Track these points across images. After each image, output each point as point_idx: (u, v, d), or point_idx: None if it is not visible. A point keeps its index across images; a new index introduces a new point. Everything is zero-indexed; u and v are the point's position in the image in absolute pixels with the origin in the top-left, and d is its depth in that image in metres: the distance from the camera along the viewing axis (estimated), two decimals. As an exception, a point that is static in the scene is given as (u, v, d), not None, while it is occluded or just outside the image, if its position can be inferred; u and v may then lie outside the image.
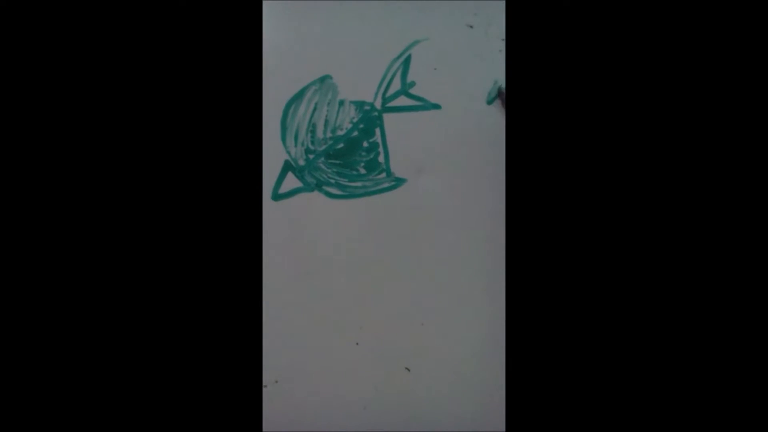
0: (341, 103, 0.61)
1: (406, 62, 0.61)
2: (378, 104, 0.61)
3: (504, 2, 0.42)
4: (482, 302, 0.62)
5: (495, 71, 0.61)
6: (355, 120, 0.61)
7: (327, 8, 0.60)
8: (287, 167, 0.61)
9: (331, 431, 0.63)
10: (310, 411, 0.63)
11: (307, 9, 0.59)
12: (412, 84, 0.61)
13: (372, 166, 0.61)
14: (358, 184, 0.61)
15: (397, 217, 0.62)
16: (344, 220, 0.61)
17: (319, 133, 0.61)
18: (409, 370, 0.63)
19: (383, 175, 0.62)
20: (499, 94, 0.60)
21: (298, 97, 0.60)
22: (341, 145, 0.61)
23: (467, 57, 0.61)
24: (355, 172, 0.61)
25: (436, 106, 0.61)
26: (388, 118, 0.61)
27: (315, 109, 0.60)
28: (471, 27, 0.61)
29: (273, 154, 0.60)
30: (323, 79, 0.60)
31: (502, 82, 0.60)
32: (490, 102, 0.59)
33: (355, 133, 0.61)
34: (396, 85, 0.61)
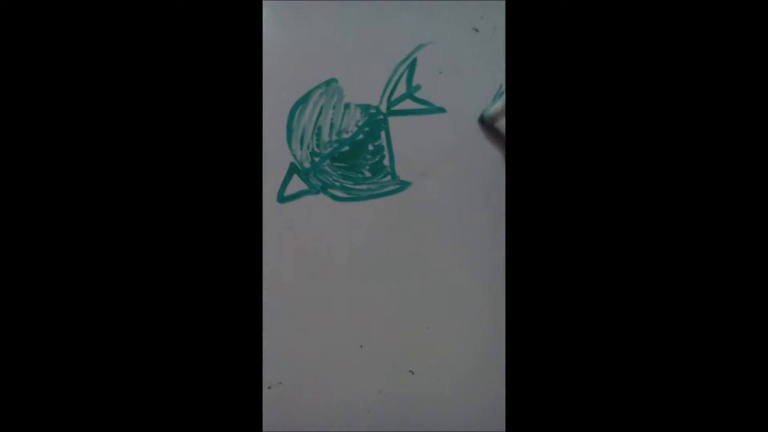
0: (347, 106, 0.61)
1: (412, 66, 0.61)
2: (383, 107, 0.61)
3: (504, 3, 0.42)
4: (487, 305, 0.62)
5: (500, 75, 0.61)
6: (360, 123, 0.61)
7: (334, 11, 0.60)
8: (293, 170, 0.61)
9: (335, 434, 0.63)
10: (314, 413, 0.63)
11: (314, 12, 0.60)
12: (418, 87, 0.61)
13: (377, 169, 0.62)
14: (363, 187, 0.62)
15: (401, 219, 0.62)
16: (349, 223, 0.62)
17: (325, 136, 0.61)
18: (413, 373, 0.63)
19: (388, 178, 0.62)
20: (483, 119, 0.60)
21: (304, 100, 0.60)
22: (346, 148, 0.61)
23: (473, 61, 0.61)
24: (360, 175, 0.62)
25: (441, 110, 0.61)
26: (393, 121, 0.61)
27: (321, 112, 0.61)
28: (477, 30, 0.61)
29: (279, 157, 0.60)
30: (329, 83, 0.60)
31: (489, 107, 0.60)
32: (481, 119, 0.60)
33: (361, 136, 0.61)
34: (401, 89, 0.61)
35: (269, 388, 0.62)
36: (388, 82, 0.61)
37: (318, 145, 0.61)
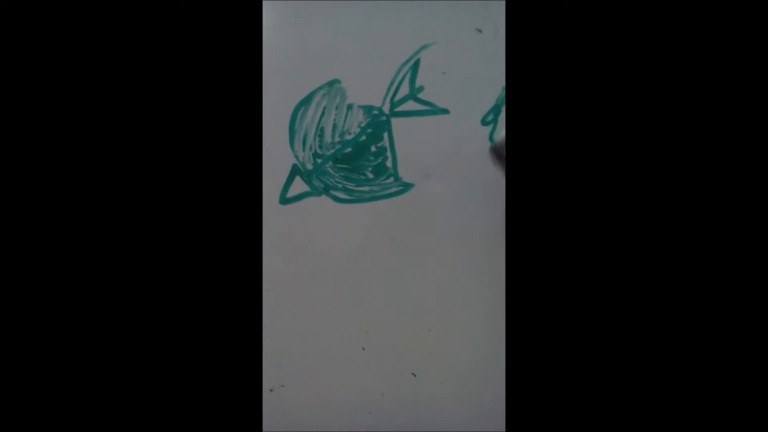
0: (349, 107, 0.60)
1: (415, 67, 0.60)
2: (386, 109, 0.61)
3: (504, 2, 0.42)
4: (490, 308, 0.62)
5: (504, 76, 0.60)
6: (363, 124, 0.61)
7: (336, 12, 0.60)
8: (295, 171, 0.61)
9: (337, 436, 0.63)
10: (316, 415, 0.63)
11: (317, 12, 0.59)
12: (421, 89, 0.61)
13: (380, 170, 0.61)
14: (366, 188, 0.61)
15: (404, 221, 0.62)
16: (351, 225, 0.61)
17: (327, 138, 0.61)
18: (415, 375, 0.63)
19: (391, 179, 0.61)
20: (494, 147, 0.60)
21: (307, 101, 0.60)
22: (349, 150, 0.61)
23: (476, 62, 0.61)
24: (362, 177, 0.61)
25: (445, 111, 0.61)
26: (396, 122, 0.61)
27: (323, 113, 0.60)
28: (480, 31, 0.60)
29: (281, 158, 0.60)
30: (332, 83, 0.60)
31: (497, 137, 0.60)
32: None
33: (363, 138, 0.61)
34: (404, 90, 0.61)
35: (271, 390, 0.62)
36: (391, 83, 0.60)
37: (320, 147, 0.61)
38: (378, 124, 0.61)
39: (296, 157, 0.61)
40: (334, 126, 0.61)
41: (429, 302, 0.63)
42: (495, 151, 0.60)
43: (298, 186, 0.61)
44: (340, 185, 0.61)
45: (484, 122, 0.61)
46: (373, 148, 0.61)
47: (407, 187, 0.61)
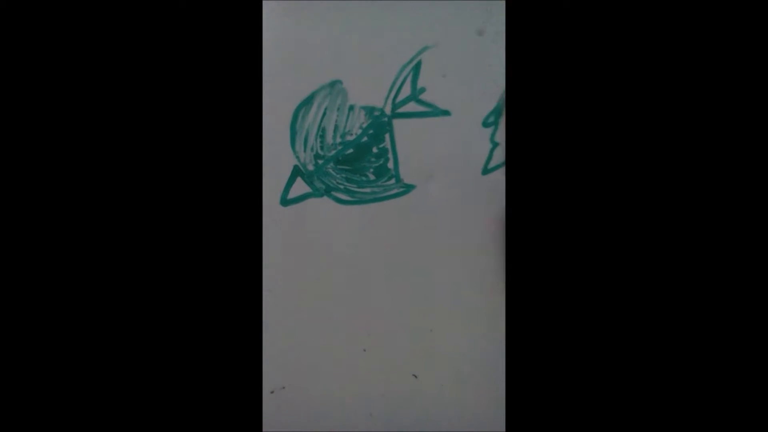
0: (351, 108, 0.60)
1: (416, 68, 0.60)
2: (388, 110, 0.61)
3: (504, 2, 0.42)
4: (491, 309, 0.62)
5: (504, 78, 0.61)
6: (364, 125, 0.61)
7: (338, 12, 0.59)
8: (296, 172, 0.60)
9: (338, 437, 0.63)
10: (316, 417, 0.63)
11: (319, 13, 0.59)
12: (422, 90, 0.61)
13: (381, 172, 0.61)
14: (367, 190, 0.61)
15: (406, 223, 0.62)
16: (353, 226, 0.61)
17: (329, 139, 0.60)
18: (416, 377, 0.63)
19: (392, 181, 0.61)
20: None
21: (308, 101, 0.60)
22: (350, 151, 0.61)
23: (477, 64, 0.61)
24: (364, 178, 0.61)
25: (446, 113, 0.61)
26: (397, 123, 0.61)
27: (324, 114, 0.60)
28: (481, 34, 0.60)
29: (282, 159, 0.60)
30: (333, 84, 0.60)
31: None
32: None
33: (365, 139, 0.61)
34: (406, 91, 0.61)
35: (272, 392, 0.62)
36: (393, 84, 0.60)
37: (322, 148, 0.60)
38: (379, 125, 0.61)
39: (297, 158, 0.60)
40: (336, 127, 0.60)
41: (430, 303, 0.63)
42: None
43: (300, 187, 0.60)
44: (342, 186, 0.61)
45: (485, 124, 0.62)
46: (374, 150, 0.61)
47: (409, 188, 0.61)
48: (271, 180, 0.59)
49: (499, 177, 0.62)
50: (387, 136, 0.61)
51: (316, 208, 0.61)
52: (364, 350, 0.63)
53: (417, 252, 0.62)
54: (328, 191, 0.61)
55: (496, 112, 0.61)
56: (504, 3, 0.58)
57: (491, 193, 0.62)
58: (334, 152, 0.61)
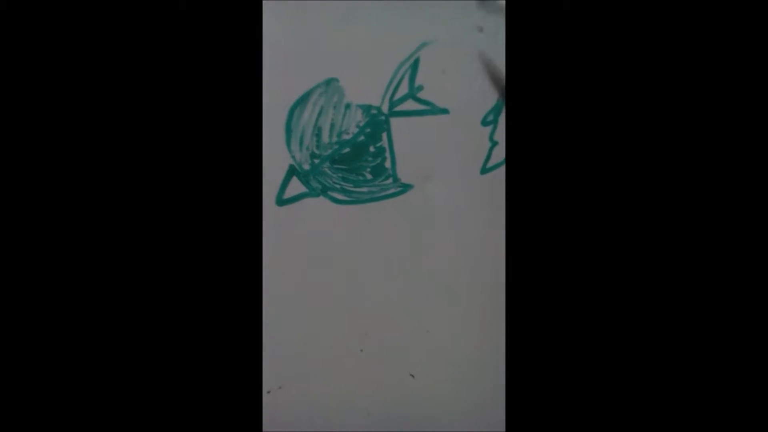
0: (347, 106, 0.59)
1: (414, 66, 0.59)
2: (385, 108, 0.60)
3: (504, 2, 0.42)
4: (489, 309, 0.62)
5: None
6: (361, 124, 0.60)
7: (333, 10, 0.58)
8: (292, 172, 0.60)
9: (335, 437, 0.63)
10: (314, 417, 0.63)
11: (314, 11, 0.58)
12: (420, 88, 0.60)
13: (378, 171, 0.61)
14: (364, 189, 0.61)
15: (403, 223, 0.61)
16: (349, 226, 0.61)
17: (325, 138, 0.60)
18: (413, 376, 0.63)
19: (390, 180, 0.61)
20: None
21: (304, 100, 0.59)
22: (347, 150, 0.60)
23: (476, 61, 0.60)
24: (361, 178, 0.61)
25: (444, 111, 0.60)
26: (395, 122, 0.60)
27: (320, 112, 0.59)
28: (480, 30, 0.59)
29: (277, 159, 0.59)
30: (329, 82, 0.59)
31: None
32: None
33: (362, 138, 0.60)
34: (403, 89, 0.60)
35: (269, 392, 0.62)
36: (390, 82, 0.59)
37: (318, 147, 0.60)
38: (377, 123, 0.60)
39: (293, 157, 0.60)
40: (332, 126, 0.60)
41: (428, 303, 0.63)
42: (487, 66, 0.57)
43: (296, 187, 0.60)
44: (338, 186, 0.60)
45: (484, 122, 0.61)
46: (371, 149, 0.60)
47: (406, 188, 0.61)
48: (267, 180, 0.59)
49: (498, 176, 0.61)
50: (384, 134, 0.60)
51: (312, 208, 0.60)
52: (361, 350, 0.63)
53: (414, 252, 0.62)
54: (324, 191, 0.60)
55: (495, 110, 0.60)
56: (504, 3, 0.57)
57: (490, 193, 0.61)
58: (330, 151, 0.60)
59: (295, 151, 0.59)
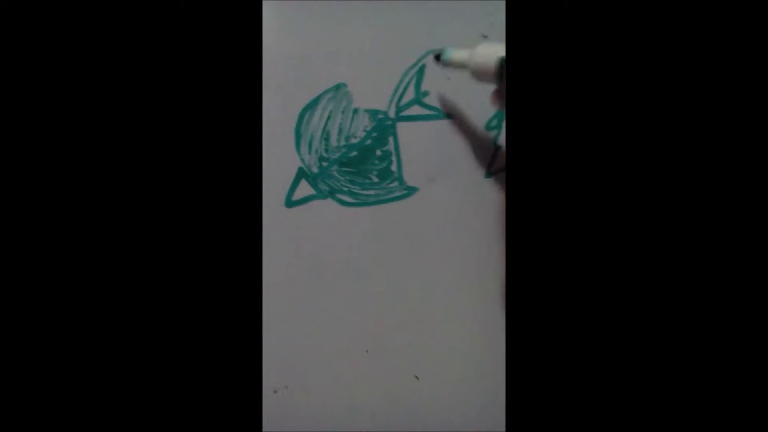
0: (355, 111, 0.61)
1: (420, 71, 0.61)
2: (392, 113, 0.61)
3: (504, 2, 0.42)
4: (493, 311, 0.62)
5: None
6: (368, 128, 0.61)
7: (341, 15, 0.60)
8: (301, 174, 0.61)
9: (340, 437, 0.63)
10: (319, 417, 0.63)
11: (322, 15, 0.60)
12: (426, 93, 0.61)
13: (385, 174, 0.62)
14: (371, 192, 0.62)
15: (408, 225, 0.62)
16: (356, 228, 0.62)
17: (333, 141, 0.61)
18: (418, 377, 0.63)
19: (396, 183, 0.62)
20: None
21: (313, 104, 0.60)
22: (354, 153, 0.62)
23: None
24: (367, 180, 0.62)
25: (450, 116, 0.61)
26: (401, 127, 0.61)
27: (329, 117, 0.61)
28: (485, 37, 0.61)
29: (287, 162, 0.60)
30: (338, 87, 0.60)
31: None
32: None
33: (369, 142, 0.61)
34: (410, 95, 0.61)
35: (275, 392, 0.62)
36: (397, 88, 0.61)
37: (326, 150, 0.61)
38: (383, 128, 0.61)
39: (302, 160, 0.61)
40: (340, 130, 0.61)
41: (433, 305, 0.63)
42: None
43: (304, 189, 0.61)
44: (346, 189, 0.62)
45: (488, 127, 0.62)
46: (378, 152, 0.62)
47: (412, 190, 0.62)
48: (276, 182, 0.60)
49: (502, 179, 0.62)
50: (390, 138, 0.62)
51: (320, 210, 0.61)
52: (367, 351, 0.63)
53: (419, 254, 0.62)
54: (332, 193, 0.62)
55: (499, 115, 0.61)
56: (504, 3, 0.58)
57: (494, 196, 0.62)
58: (338, 155, 0.61)
59: (304, 154, 0.61)
